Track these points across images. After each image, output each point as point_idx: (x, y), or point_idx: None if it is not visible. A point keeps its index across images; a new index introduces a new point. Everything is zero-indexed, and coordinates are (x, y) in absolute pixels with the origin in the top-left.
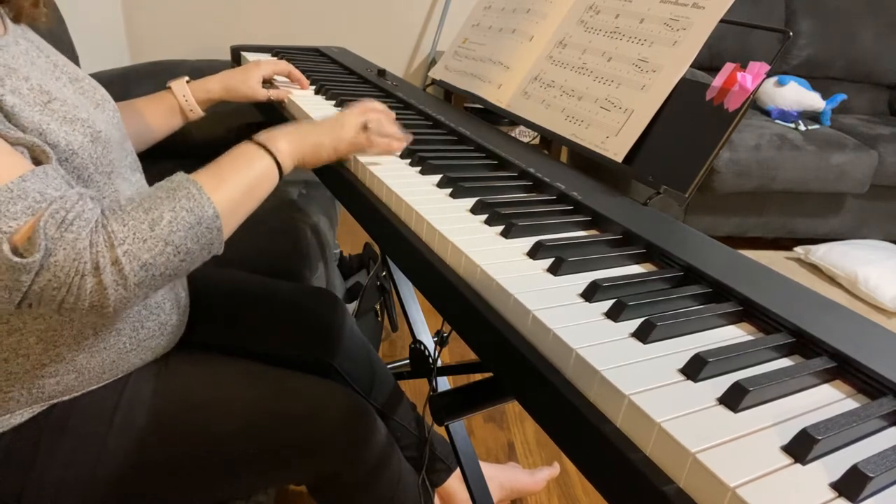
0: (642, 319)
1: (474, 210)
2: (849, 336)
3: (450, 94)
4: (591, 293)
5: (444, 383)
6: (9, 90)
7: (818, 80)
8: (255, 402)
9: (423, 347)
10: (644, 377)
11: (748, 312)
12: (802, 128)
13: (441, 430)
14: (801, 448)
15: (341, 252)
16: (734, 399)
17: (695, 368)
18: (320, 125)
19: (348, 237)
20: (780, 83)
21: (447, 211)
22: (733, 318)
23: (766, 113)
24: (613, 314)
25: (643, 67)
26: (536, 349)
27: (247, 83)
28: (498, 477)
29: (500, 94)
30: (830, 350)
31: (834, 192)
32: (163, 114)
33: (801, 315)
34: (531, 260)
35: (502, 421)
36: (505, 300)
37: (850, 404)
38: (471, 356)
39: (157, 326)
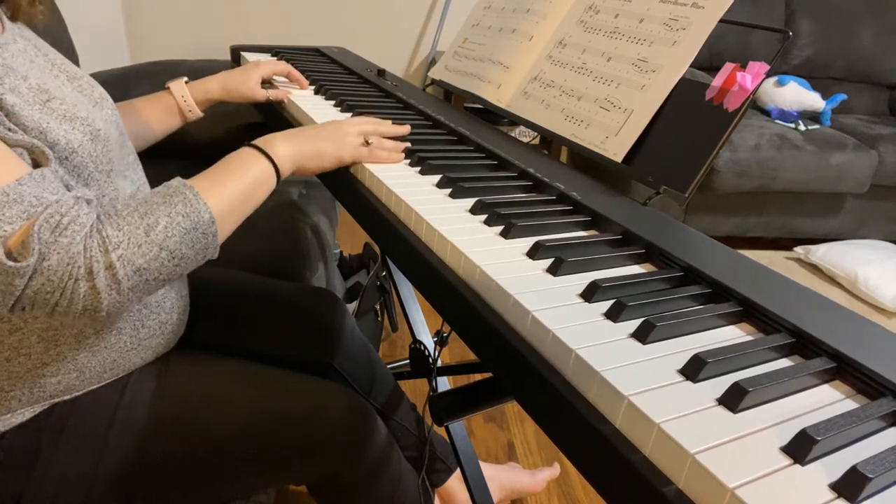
0: (642, 320)
1: (474, 210)
2: (848, 336)
3: (450, 94)
4: (590, 293)
5: (444, 383)
6: (8, 89)
7: (818, 80)
8: (256, 401)
9: (423, 347)
10: (643, 378)
11: (748, 313)
12: (802, 128)
13: (441, 431)
14: (801, 449)
15: (341, 252)
16: (733, 399)
17: (694, 369)
18: (322, 130)
19: (348, 237)
20: (780, 83)
21: (447, 211)
22: (733, 319)
23: (766, 113)
24: (613, 314)
25: (643, 67)
26: (536, 349)
27: (246, 83)
28: (498, 477)
29: (499, 94)
30: (830, 350)
31: (834, 192)
32: (161, 114)
33: (801, 315)
34: (531, 260)
35: (502, 421)
36: (504, 300)
37: (850, 405)
38: (471, 356)
39: (158, 325)
